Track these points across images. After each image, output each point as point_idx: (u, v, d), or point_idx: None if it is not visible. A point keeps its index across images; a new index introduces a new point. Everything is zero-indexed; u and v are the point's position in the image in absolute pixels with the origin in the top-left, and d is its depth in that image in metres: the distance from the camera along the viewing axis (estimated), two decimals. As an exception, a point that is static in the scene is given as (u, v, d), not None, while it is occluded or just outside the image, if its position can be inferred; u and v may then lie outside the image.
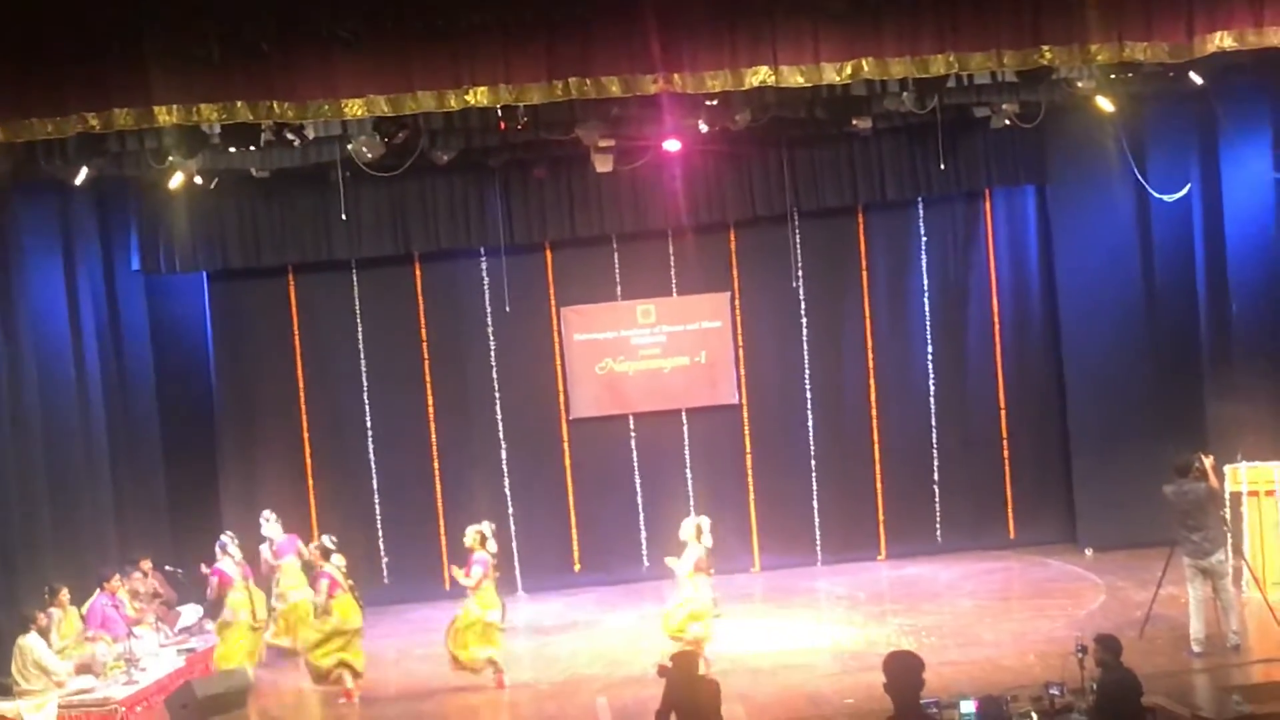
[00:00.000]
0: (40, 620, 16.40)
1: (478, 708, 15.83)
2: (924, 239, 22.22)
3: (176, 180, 18.79)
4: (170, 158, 17.33)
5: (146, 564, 19.08)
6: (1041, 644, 15.73)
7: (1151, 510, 16.11)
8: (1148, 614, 15.73)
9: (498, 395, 22.25)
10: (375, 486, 22.05)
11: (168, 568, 19.50)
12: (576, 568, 22.10)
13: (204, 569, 18.09)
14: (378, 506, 21.96)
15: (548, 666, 17.34)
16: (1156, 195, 20.28)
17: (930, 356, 22.21)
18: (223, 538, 18.23)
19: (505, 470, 22.09)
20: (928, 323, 22.23)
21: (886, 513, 22.02)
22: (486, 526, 17.13)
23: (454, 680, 16.81)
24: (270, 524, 18.94)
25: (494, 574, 16.91)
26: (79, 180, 17.80)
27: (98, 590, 17.77)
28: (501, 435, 22.26)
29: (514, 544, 21.92)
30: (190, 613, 19.27)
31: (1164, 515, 15.27)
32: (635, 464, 22.22)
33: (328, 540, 17.48)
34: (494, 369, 22.23)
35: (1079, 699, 12.44)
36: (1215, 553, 14.88)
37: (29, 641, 16.12)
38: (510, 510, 22.02)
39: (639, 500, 22.17)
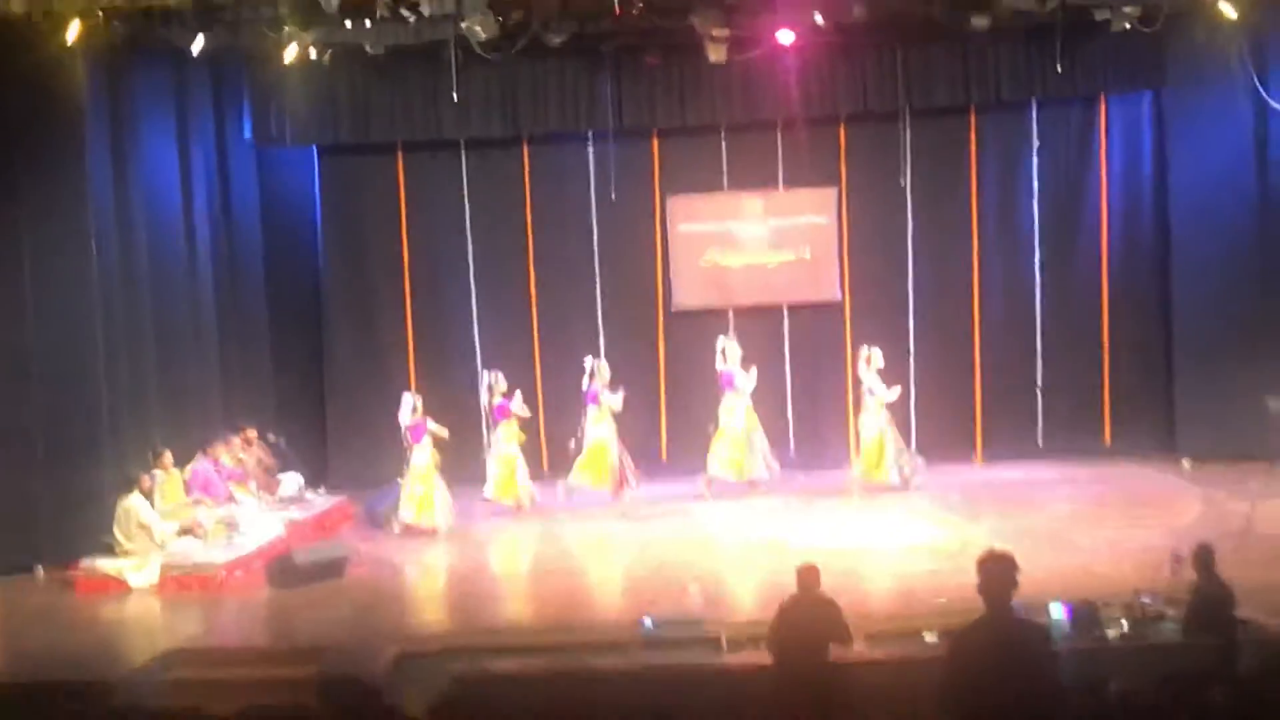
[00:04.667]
0: (144, 482, 16.78)
1: (574, 587, 16.01)
2: (1036, 143, 21.93)
3: (291, 53, 18.85)
4: (286, 28, 17.47)
5: (251, 433, 19.38)
6: (1136, 552, 15.59)
7: (1253, 424, 15.96)
8: (1245, 528, 15.59)
9: (599, 282, 22.32)
10: (478, 366, 22.16)
11: (270, 437, 19.81)
12: (664, 457, 22.15)
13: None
14: (476, 386, 21.91)
15: (641, 552, 17.47)
16: (1276, 106, 19.97)
17: (1037, 261, 21.99)
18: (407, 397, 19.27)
19: (603, 357, 22.13)
20: (1036, 226, 21.99)
21: (985, 416, 21.93)
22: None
23: (549, 560, 17.06)
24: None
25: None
26: (195, 49, 17.92)
27: (200, 455, 18.10)
28: (600, 322, 22.34)
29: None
30: (291, 481, 19.57)
31: (1266, 429, 15.10)
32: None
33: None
34: (596, 256, 22.30)
35: (1171, 608, 12.44)
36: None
37: (133, 502, 16.49)
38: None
39: (734, 394, 22.16)
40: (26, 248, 16.97)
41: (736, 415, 20.23)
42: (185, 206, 19.78)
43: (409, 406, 19.38)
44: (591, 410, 20.25)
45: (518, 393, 20.20)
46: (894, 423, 20.24)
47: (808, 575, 11.06)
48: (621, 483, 20.25)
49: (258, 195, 21.88)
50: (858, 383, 20.48)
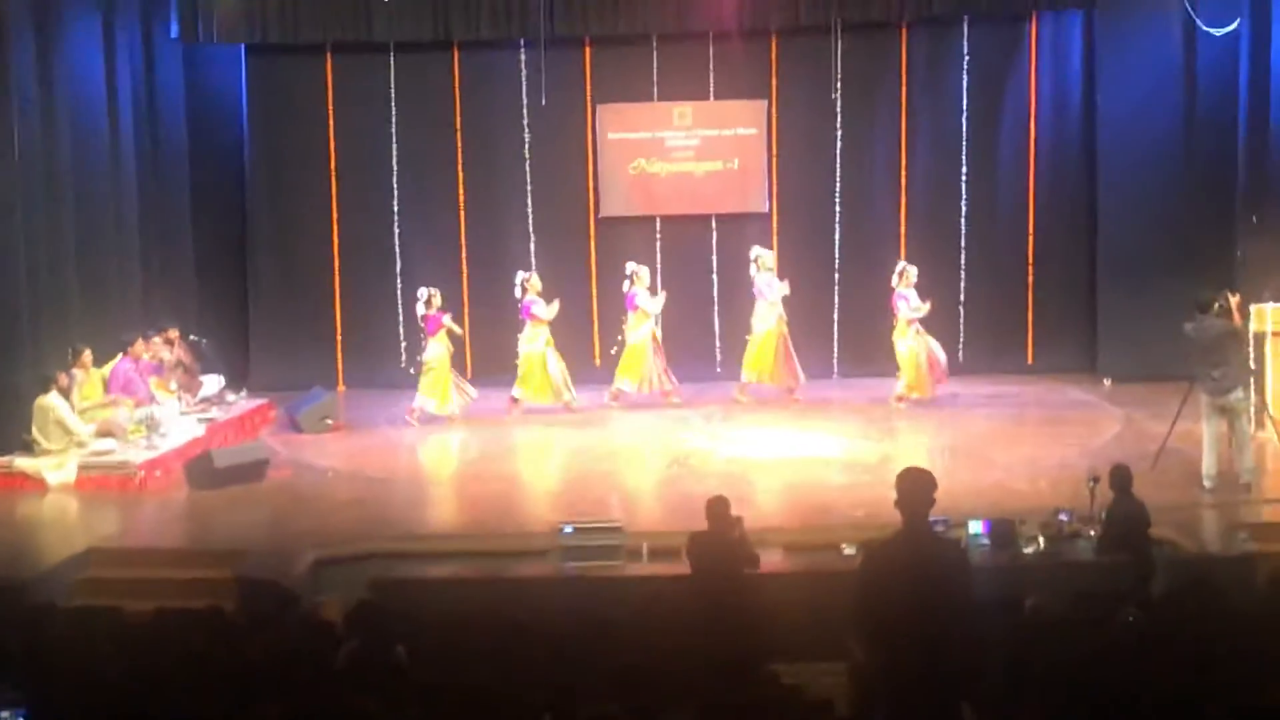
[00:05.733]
0: (62, 380, 16.63)
1: (493, 494, 16.01)
2: (966, 58, 22.00)
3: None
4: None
5: (173, 332, 19.25)
6: (1054, 470, 15.78)
7: (1173, 345, 16.03)
8: (1162, 447, 15.72)
9: (529, 189, 22.25)
10: (399, 270, 22.15)
11: (192, 337, 19.71)
12: (597, 363, 22.05)
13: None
14: (399, 292, 22.07)
15: (564, 459, 17.49)
16: (1205, 28, 20.06)
17: (964, 178, 22.12)
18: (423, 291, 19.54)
19: (533, 264, 22.10)
20: (964, 143, 22.10)
21: (909, 330, 22.09)
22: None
23: (466, 467, 17.07)
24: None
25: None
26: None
27: (121, 355, 17.95)
28: (531, 229, 22.27)
29: (538, 338, 22.02)
30: (212, 382, 19.52)
31: (1184, 351, 15.19)
32: (659, 266, 22.19)
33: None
34: (527, 163, 22.21)
35: (1088, 526, 12.59)
36: (1234, 390, 14.80)
37: (50, 400, 16.35)
38: (536, 303, 22.09)
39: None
40: (-53, 141, 16.69)
41: (767, 321, 20.19)
42: (110, 103, 19.49)
43: (423, 299, 19.53)
44: (630, 315, 20.20)
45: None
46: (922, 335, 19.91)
47: (716, 508, 11.10)
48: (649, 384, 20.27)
49: (183, 93, 21.63)
50: (891, 295, 20.14)
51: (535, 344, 19.85)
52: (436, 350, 19.41)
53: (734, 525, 11.14)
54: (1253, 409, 15.88)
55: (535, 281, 19.96)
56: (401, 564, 13.28)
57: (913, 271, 19.89)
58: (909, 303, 19.71)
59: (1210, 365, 14.77)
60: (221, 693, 7.81)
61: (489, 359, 21.52)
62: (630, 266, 20.30)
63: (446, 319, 19.44)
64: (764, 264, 20.23)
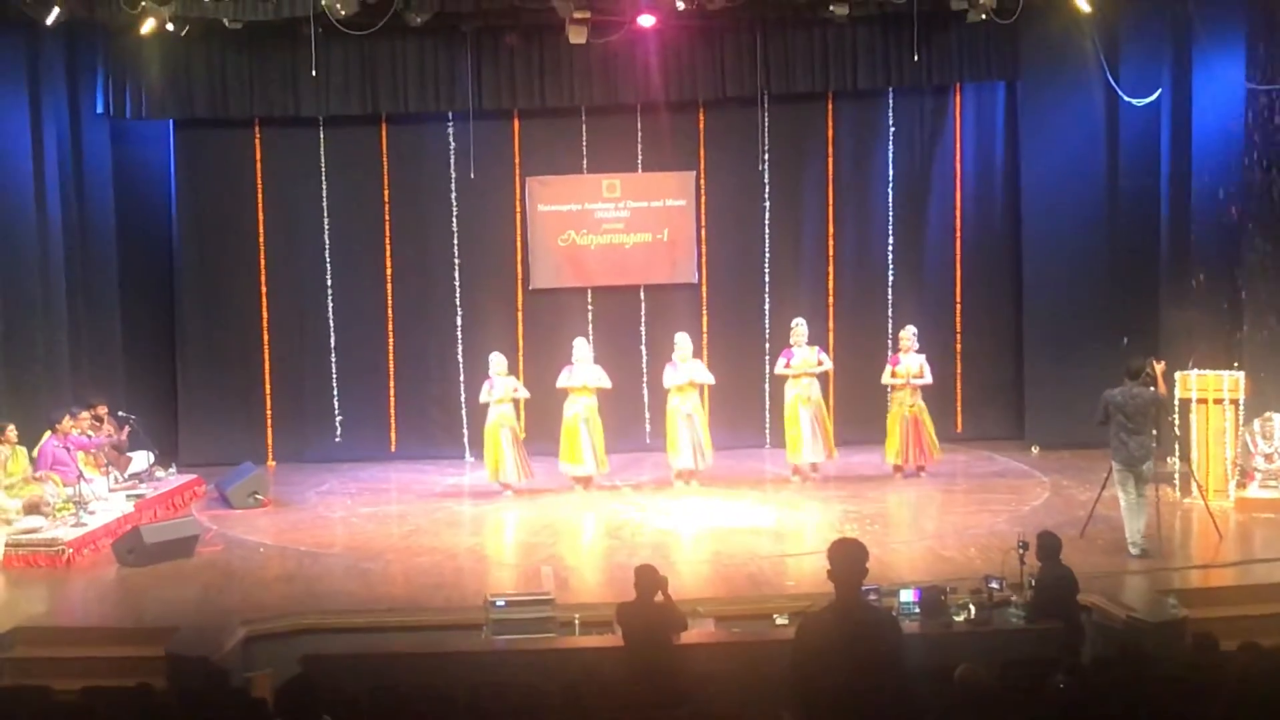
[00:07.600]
0: (-16, 458, 16.47)
1: (423, 568, 15.93)
2: (892, 130, 22.30)
3: (147, 26, 18.67)
4: (143, 2, 17.23)
5: (101, 409, 19.09)
6: (983, 537, 15.90)
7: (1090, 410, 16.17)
8: (1090, 514, 15.88)
9: (457, 261, 22.25)
10: (332, 345, 22.10)
11: (121, 413, 19.53)
12: (523, 436, 22.01)
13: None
14: (334, 364, 22.04)
15: (494, 532, 17.45)
16: (1126, 99, 20.35)
17: (890, 248, 22.36)
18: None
19: (460, 337, 22.11)
20: (890, 214, 22.35)
21: (837, 399, 22.08)
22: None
23: (398, 541, 17.00)
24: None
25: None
26: (49, 20, 17.66)
27: (49, 433, 17.80)
28: (458, 301, 22.27)
29: (464, 410, 22.01)
30: (141, 458, 19.33)
31: (1100, 415, 15.20)
32: (590, 338, 22.19)
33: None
34: (455, 235, 22.23)
35: (1017, 593, 12.66)
36: (1147, 459, 14.97)
37: (-27, 478, 16.18)
38: (461, 377, 22.07)
39: (592, 374, 22.21)
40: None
41: (788, 395, 20.04)
42: (37, 179, 19.47)
43: (491, 366, 19.58)
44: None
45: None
46: (911, 406, 19.73)
47: (644, 576, 11.13)
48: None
49: (110, 168, 21.48)
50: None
51: (567, 412, 19.78)
52: (489, 417, 19.53)
53: (659, 589, 11.15)
54: (1177, 476, 16.07)
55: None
56: (333, 639, 13.19)
57: (907, 333, 19.95)
58: (892, 368, 19.83)
59: (1130, 433, 14.92)
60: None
61: (413, 431, 21.90)
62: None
63: (488, 385, 19.49)
64: (796, 336, 20.05)
